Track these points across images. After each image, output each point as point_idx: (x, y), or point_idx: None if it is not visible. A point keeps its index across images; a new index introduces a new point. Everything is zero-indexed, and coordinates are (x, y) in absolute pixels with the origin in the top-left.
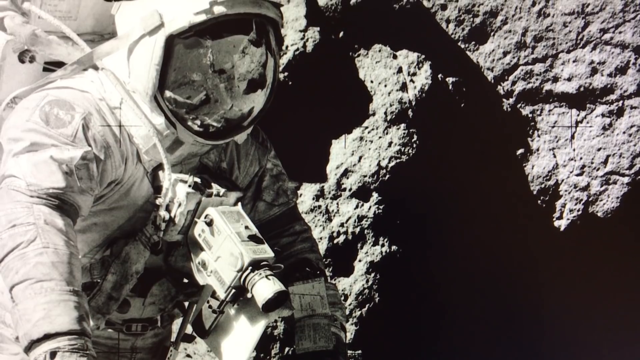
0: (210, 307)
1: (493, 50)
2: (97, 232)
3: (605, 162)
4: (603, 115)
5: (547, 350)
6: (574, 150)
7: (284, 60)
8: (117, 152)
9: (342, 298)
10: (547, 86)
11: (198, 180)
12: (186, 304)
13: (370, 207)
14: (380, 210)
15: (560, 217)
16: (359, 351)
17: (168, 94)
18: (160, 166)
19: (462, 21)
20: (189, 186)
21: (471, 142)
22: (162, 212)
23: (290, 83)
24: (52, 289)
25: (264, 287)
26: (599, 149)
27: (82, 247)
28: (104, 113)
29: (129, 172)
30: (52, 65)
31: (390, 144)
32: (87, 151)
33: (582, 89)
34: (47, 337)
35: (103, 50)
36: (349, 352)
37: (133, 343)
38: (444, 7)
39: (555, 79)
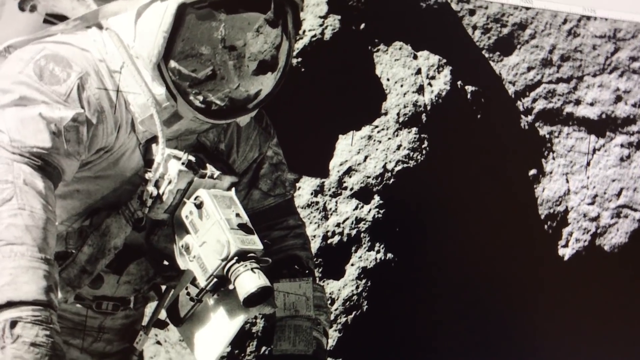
0: (188, 294)
1: (517, 64)
2: (78, 200)
3: (618, 195)
4: (622, 145)
5: None
6: (587, 178)
7: (299, 45)
8: (110, 118)
9: (329, 302)
10: (569, 108)
11: (193, 158)
12: (163, 287)
13: (370, 209)
14: (380, 215)
15: (565, 246)
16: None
17: (173, 64)
18: (154, 139)
19: (489, 29)
20: (182, 164)
21: (483, 156)
22: (150, 188)
23: (302, 70)
24: (22, 254)
25: (248, 280)
26: (613, 180)
27: (60, 213)
28: (102, 75)
29: (120, 140)
30: (54, 18)
31: (399, 146)
32: (79, 113)
33: (603, 115)
34: (10, 304)
35: (110, 10)
36: (329, 359)
37: (101, 322)
38: (472, 12)
39: (578, 102)
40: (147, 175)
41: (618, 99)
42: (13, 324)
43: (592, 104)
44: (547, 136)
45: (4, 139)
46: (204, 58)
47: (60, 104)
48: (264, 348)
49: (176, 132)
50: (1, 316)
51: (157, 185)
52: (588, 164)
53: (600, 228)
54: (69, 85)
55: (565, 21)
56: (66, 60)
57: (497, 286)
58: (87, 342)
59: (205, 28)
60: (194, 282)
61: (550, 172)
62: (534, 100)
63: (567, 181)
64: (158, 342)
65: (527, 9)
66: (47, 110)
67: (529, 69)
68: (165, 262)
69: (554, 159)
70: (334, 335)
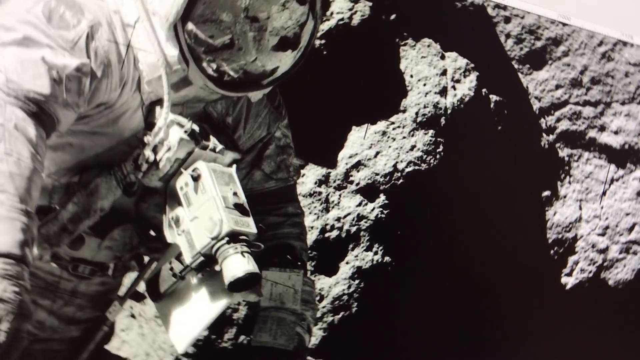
0: (171, 269)
1: (546, 80)
2: (70, 154)
3: (630, 229)
4: None
5: None
6: (601, 207)
7: (324, 27)
8: (117, 73)
9: (317, 298)
10: (592, 133)
11: (196, 128)
12: (146, 258)
13: (373, 208)
14: (383, 215)
15: (569, 274)
16: None
17: (190, 26)
18: (159, 102)
19: (522, 40)
20: (185, 132)
21: (498, 169)
22: (147, 152)
23: (324, 52)
24: (2, 202)
25: (236, 264)
26: (627, 214)
27: (49, 165)
28: (114, 27)
29: (123, 98)
30: None
31: (413, 147)
32: (84, 63)
33: (626, 146)
34: None
35: None
36: (309, 358)
37: (75, 286)
38: (507, 20)
39: (602, 128)
40: (146, 139)
41: None
42: None
43: (616, 133)
44: (566, 159)
45: (0, 78)
46: (223, 25)
47: (65, 51)
48: (242, 337)
49: (183, 97)
50: None
51: (155, 150)
52: (604, 193)
53: (607, 261)
54: (77, 33)
55: (600, 43)
56: (78, 6)
57: (494, 305)
58: (57, 305)
59: None
60: (179, 257)
61: (565, 197)
62: (558, 120)
63: (580, 208)
64: (132, 316)
65: (564, 25)
66: (51, 55)
67: (557, 86)
68: (152, 233)
69: (570, 183)
70: (317, 333)
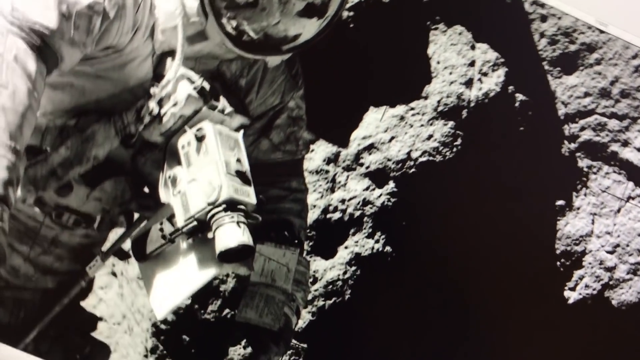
0: (161, 230)
1: (575, 86)
2: (69, 95)
3: None
4: None
5: None
6: (614, 225)
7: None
8: (130, 16)
9: (310, 280)
10: (615, 147)
11: (207, 86)
12: (136, 215)
13: (381, 194)
14: (390, 203)
15: (573, 289)
16: (305, 345)
17: None
18: (171, 53)
19: (556, 41)
20: (194, 89)
21: (514, 170)
22: (152, 104)
23: (351, 25)
24: None
25: (230, 234)
26: None
27: (45, 104)
28: None
29: (134, 44)
30: None
31: (430, 137)
32: (97, 1)
33: None
34: None
35: None
36: (294, 341)
37: (57, 234)
38: (544, 18)
39: (626, 144)
40: (152, 90)
41: None
42: None
43: (639, 150)
44: (585, 169)
45: (5, 6)
46: None
47: None
48: (227, 311)
49: (198, 52)
50: None
51: (160, 103)
52: (619, 210)
53: (613, 280)
54: None
55: (635, 56)
56: None
57: (492, 307)
58: (35, 252)
59: None
60: (171, 219)
61: (578, 208)
62: (582, 129)
63: (593, 222)
64: (113, 274)
65: (601, 32)
66: None
67: (586, 94)
68: (146, 189)
69: (585, 195)
70: (306, 317)
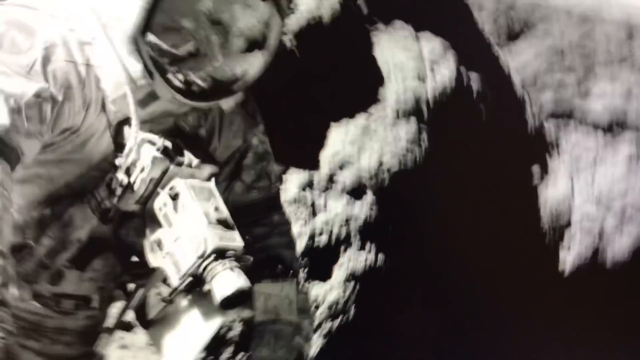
0: (158, 294)
1: (525, 51)
2: (38, 186)
3: (624, 195)
4: (630, 142)
5: None
6: (592, 176)
7: (293, 25)
8: (79, 95)
9: (313, 306)
10: (577, 101)
11: (169, 144)
12: (131, 286)
13: (362, 207)
14: (372, 212)
15: (568, 247)
16: None
17: (151, 38)
18: (127, 121)
19: (497, 11)
20: (158, 150)
21: (486, 150)
22: (120, 175)
23: (294, 49)
24: None
25: (226, 281)
26: (619, 179)
27: (17, 200)
28: (71, 46)
29: (88, 121)
30: None
31: (396, 139)
32: (43, 88)
33: (612, 109)
34: None
35: None
36: None
37: (61, 322)
38: None
39: (587, 95)
40: (118, 161)
41: (628, 94)
42: None
43: (601, 98)
44: (554, 129)
45: None
46: (185, 32)
47: (21, 77)
48: (241, 354)
49: (152, 114)
50: None
51: (128, 172)
52: (594, 160)
53: (604, 229)
54: (32, 57)
55: (575, 7)
56: (30, 28)
57: (494, 286)
58: (44, 345)
59: None
60: (165, 281)
61: (555, 169)
62: (542, 91)
63: (572, 178)
64: (124, 347)
65: None
66: (7, 83)
67: (537, 56)
68: (135, 258)
69: (559, 154)
70: (317, 342)
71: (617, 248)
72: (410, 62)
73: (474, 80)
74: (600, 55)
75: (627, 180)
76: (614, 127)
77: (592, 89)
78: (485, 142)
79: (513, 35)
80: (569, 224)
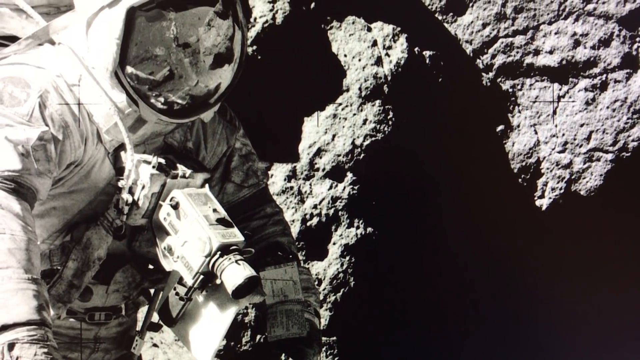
0: (177, 294)
1: (472, 22)
2: (56, 217)
3: (588, 139)
4: (586, 89)
5: (531, 331)
6: (556, 126)
7: (252, 33)
8: (76, 131)
9: (316, 283)
10: (528, 59)
11: (162, 160)
12: (152, 291)
13: (344, 187)
14: (355, 191)
15: (542, 196)
16: (334, 338)
17: (129, 69)
18: (122, 146)
19: None
20: (153, 167)
21: (449, 119)
22: (125, 195)
23: (259, 57)
24: (9, 277)
25: (234, 273)
26: (581, 125)
27: (40, 232)
28: (61, 90)
29: (89, 153)
30: (5, 40)
31: (365, 121)
32: (45, 131)
33: (564, 62)
34: (5, 328)
35: (59, 24)
36: (324, 338)
37: (96, 333)
38: None
39: (537, 52)
40: (120, 183)
41: (576, 43)
42: (11, 346)
43: (551, 52)
44: (511, 90)
45: None
46: (159, 59)
47: (24, 125)
48: (258, 336)
49: (142, 136)
50: None
51: (131, 191)
52: (554, 112)
53: (574, 174)
54: (30, 105)
55: None
56: (24, 81)
57: (478, 245)
58: (85, 354)
59: (157, 29)
60: (181, 281)
61: (518, 126)
62: (493, 56)
63: (536, 132)
64: (155, 345)
65: None
66: (12, 133)
67: (484, 25)
68: (151, 266)
69: (519, 112)
70: (325, 314)
71: (589, 188)
72: (366, 51)
73: (428, 57)
74: (545, 15)
75: (590, 125)
76: (569, 78)
77: (542, 46)
78: (446, 110)
79: (458, 10)
80: (540, 174)
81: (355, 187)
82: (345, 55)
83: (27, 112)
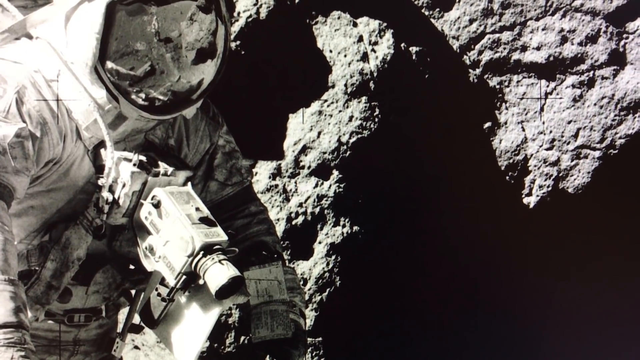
0: (159, 295)
1: (458, 18)
2: (34, 216)
3: (575, 136)
4: (573, 86)
5: (518, 329)
6: (543, 123)
7: (235, 28)
8: (54, 128)
9: (301, 282)
10: (515, 56)
11: (143, 158)
12: (133, 292)
13: (330, 185)
14: (340, 189)
15: (529, 194)
16: (320, 338)
17: (109, 65)
18: (102, 144)
19: None
20: (134, 165)
21: (436, 116)
22: (105, 194)
23: (242, 53)
24: None
25: (217, 273)
26: (569, 122)
27: (18, 232)
28: (39, 86)
29: (68, 150)
30: None
31: (351, 118)
32: (22, 128)
33: (551, 58)
34: None
35: (37, 18)
36: (309, 339)
37: (76, 335)
38: None
39: (524, 48)
40: (100, 182)
41: (564, 39)
42: None
43: (538, 49)
44: (498, 87)
45: None
46: (140, 54)
47: (0, 122)
48: (242, 338)
49: (123, 133)
50: None
51: (111, 190)
52: (542, 109)
53: (562, 171)
54: (6, 101)
55: None
56: (0, 76)
57: (465, 243)
58: (65, 357)
59: (138, 23)
60: (163, 282)
61: (505, 123)
62: (480, 53)
63: (523, 129)
64: (136, 347)
65: None
66: None
67: (471, 21)
68: (132, 267)
69: (507, 108)
70: (310, 315)
71: (577, 185)
72: (352, 46)
73: (414, 53)
74: (532, 11)
75: (577, 122)
76: (556, 75)
77: (529, 43)
78: (432, 106)
79: (445, 6)
80: (527, 172)
81: (341, 185)
82: (330, 51)
83: (3, 109)
